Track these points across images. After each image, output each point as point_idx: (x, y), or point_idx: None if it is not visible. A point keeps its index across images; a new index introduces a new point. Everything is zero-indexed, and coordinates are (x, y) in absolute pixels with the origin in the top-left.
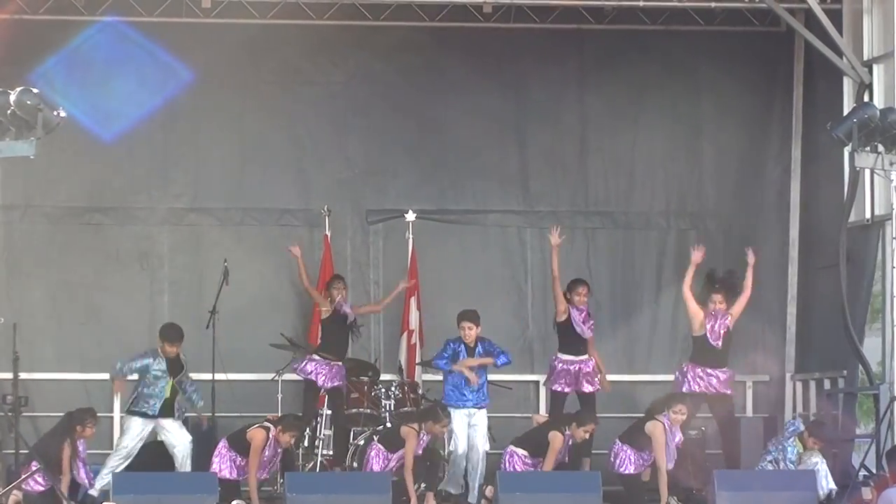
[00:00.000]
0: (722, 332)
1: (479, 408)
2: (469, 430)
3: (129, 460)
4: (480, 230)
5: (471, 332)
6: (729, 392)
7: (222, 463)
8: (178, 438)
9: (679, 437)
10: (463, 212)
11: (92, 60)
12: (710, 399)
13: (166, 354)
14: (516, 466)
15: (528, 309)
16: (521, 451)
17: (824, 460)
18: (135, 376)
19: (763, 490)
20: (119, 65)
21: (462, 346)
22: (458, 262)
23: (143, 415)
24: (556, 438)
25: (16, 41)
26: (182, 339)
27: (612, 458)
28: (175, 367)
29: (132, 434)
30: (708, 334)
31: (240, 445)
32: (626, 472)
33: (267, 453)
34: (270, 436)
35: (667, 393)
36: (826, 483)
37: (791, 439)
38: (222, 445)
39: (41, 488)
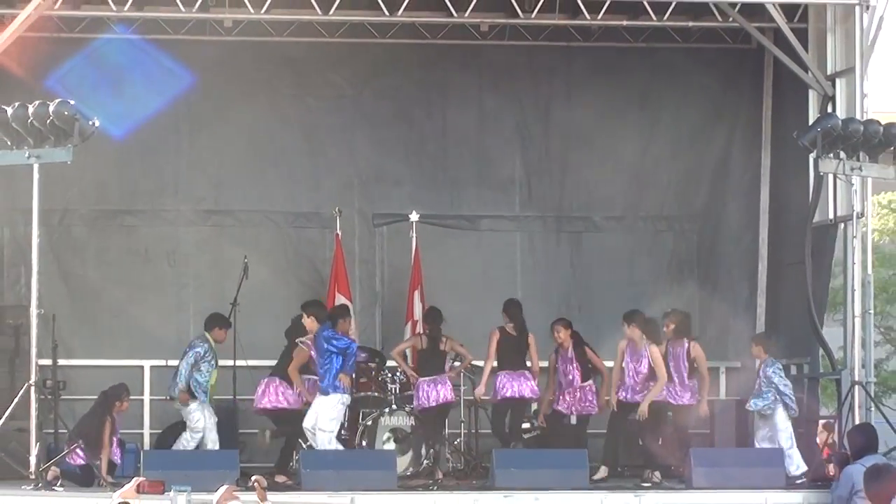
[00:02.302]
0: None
1: (321, 394)
2: None
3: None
4: (475, 233)
5: (305, 321)
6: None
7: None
8: (210, 421)
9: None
10: (459, 217)
11: (122, 78)
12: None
13: (216, 340)
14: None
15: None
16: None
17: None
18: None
19: (735, 466)
20: (147, 81)
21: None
22: (456, 262)
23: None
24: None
25: (46, 56)
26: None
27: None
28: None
29: (198, 415)
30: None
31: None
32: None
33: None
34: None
35: None
36: (796, 467)
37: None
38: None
39: (81, 462)
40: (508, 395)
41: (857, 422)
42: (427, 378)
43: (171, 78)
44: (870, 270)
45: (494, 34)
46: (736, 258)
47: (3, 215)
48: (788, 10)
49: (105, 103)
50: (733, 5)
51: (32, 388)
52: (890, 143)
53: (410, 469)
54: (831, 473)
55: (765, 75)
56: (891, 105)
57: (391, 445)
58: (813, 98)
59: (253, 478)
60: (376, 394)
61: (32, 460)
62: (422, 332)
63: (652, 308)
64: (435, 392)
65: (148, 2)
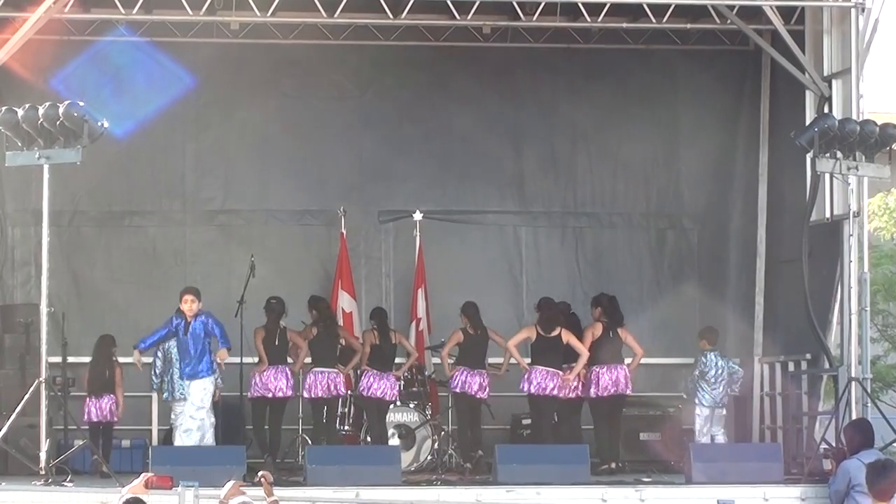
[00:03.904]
0: None
1: (189, 379)
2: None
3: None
4: (480, 228)
5: (193, 306)
6: None
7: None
8: None
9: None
10: (465, 212)
11: (124, 79)
12: None
13: None
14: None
15: (523, 299)
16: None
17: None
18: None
19: (734, 461)
20: (149, 82)
21: (182, 320)
22: (461, 258)
23: None
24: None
25: (52, 57)
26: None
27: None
28: None
29: None
30: None
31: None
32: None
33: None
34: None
35: None
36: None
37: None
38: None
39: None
40: (468, 390)
41: (853, 417)
42: (377, 371)
43: (173, 78)
44: (866, 268)
45: (496, 36)
46: (735, 256)
47: (14, 216)
48: (785, 13)
49: (108, 103)
50: (731, 7)
51: (42, 385)
52: (886, 143)
53: (414, 465)
54: (827, 469)
55: (762, 76)
56: (886, 105)
57: (395, 441)
58: (810, 99)
59: (259, 473)
60: None
61: (42, 456)
62: (372, 328)
63: (652, 306)
64: (377, 385)
65: (156, 5)
